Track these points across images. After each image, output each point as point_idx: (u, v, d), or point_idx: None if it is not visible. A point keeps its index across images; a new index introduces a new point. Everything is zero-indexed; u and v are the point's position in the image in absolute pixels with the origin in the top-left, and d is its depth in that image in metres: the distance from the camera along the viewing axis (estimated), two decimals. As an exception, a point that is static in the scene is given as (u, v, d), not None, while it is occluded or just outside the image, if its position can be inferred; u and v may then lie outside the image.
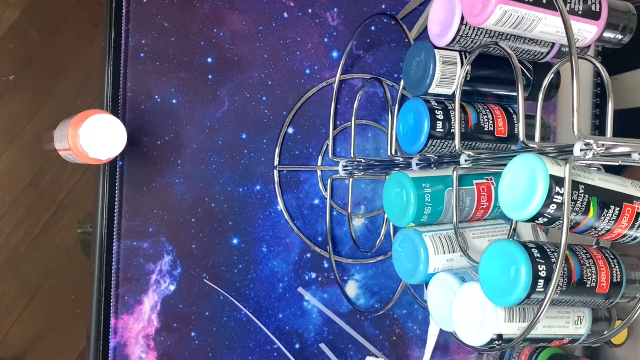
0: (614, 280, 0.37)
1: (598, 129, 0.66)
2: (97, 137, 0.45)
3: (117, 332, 0.53)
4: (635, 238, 0.37)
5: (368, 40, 0.59)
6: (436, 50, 0.45)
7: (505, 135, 0.45)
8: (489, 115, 0.45)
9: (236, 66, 0.55)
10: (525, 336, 0.36)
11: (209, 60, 0.55)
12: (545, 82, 0.44)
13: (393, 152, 0.51)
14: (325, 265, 0.58)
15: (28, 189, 0.59)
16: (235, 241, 0.56)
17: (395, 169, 0.50)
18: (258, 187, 0.56)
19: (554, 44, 0.44)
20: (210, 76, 0.55)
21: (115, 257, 0.52)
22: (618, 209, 0.35)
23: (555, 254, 0.35)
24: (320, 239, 0.58)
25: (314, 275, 0.58)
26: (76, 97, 0.61)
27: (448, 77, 0.45)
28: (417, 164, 0.48)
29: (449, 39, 0.43)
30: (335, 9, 0.58)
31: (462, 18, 0.41)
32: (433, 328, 0.60)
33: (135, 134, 0.53)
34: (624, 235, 0.36)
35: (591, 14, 0.39)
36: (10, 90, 0.58)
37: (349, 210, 0.56)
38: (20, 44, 0.59)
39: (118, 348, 0.53)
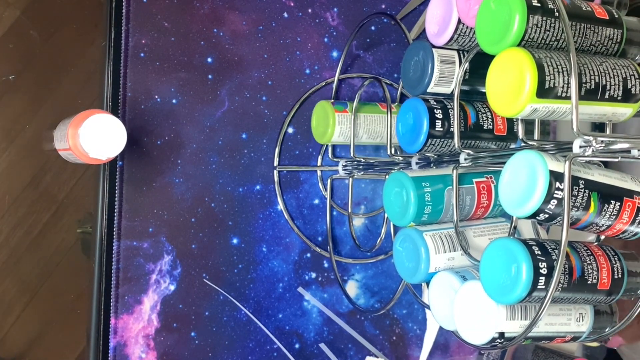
0: (615, 276, 0.37)
1: (598, 128, 0.66)
2: (97, 137, 0.45)
3: (117, 332, 0.52)
4: (636, 234, 0.37)
5: (368, 40, 0.59)
6: (434, 50, 0.45)
7: (505, 134, 0.45)
8: (488, 113, 0.45)
9: (236, 66, 0.55)
10: (527, 334, 0.36)
11: (209, 60, 0.55)
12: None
13: (393, 152, 0.51)
14: (325, 265, 0.58)
15: (28, 189, 0.59)
16: (235, 241, 0.56)
17: (395, 168, 0.50)
18: (258, 187, 0.56)
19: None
20: (210, 76, 0.55)
21: (115, 257, 0.52)
22: (619, 204, 0.35)
23: (556, 251, 0.35)
24: (320, 238, 0.58)
25: (314, 275, 0.58)
26: (76, 97, 0.61)
27: (446, 76, 0.45)
28: (416, 163, 0.48)
29: (446, 38, 0.43)
30: (335, 9, 0.58)
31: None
32: (431, 327, 0.60)
33: (135, 134, 0.53)
34: (625, 231, 0.36)
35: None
36: (10, 90, 0.58)
37: (349, 210, 0.56)
38: (20, 44, 0.59)
39: (118, 348, 0.53)
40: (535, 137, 0.39)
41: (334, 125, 0.53)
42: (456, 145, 0.44)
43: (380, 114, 0.54)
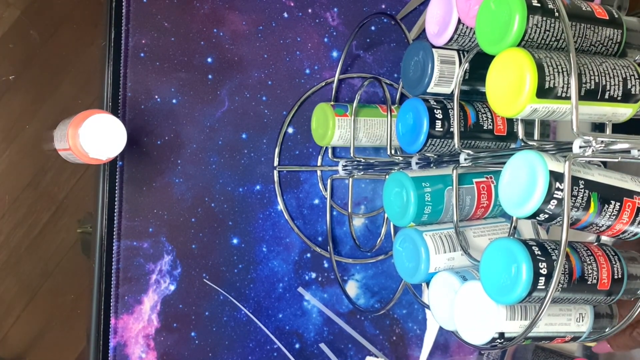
0: (615, 277, 0.37)
1: (598, 128, 0.66)
2: (97, 137, 0.45)
3: (117, 332, 0.52)
4: (636, 234, 0.37)
5: (368, 40, 0.59)
6: (434, 50, 0.45)
7: (505, 134, 0.45)
8: (488, 113, 0.45)
9: (236, 66, 0.55)
10: (527, 334, 0.36)
11: (209, 60, 0.55)
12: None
13: (392, 152, 0.51)
14: (325, 265, 0.58)
15: (28, 189, 0.59)
16: (235, 241, 0.56)
17: (395, 168, 0.50)
18: (258, 187, 0.56)
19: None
20: (210, 76, 0.55)
21: (115, 257, 0.52)
22: (619, 204, 0.35)
23: (556, 251, 0.35)
24: (320, 239, 0.58)
25: (314, 275, 0.58)
26: (76, 97, 0.61)
27: (446, 76, 0.45)
28: (416, 164, 0.48)
29: (446, 38, 0.43)
30: (335, 9, 0.58)
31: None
32: (431, 327, 0.60)
33: (135, 134, 0.53)
34: (625, 231, 0.37)
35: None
36: (10, 90, 0.58)
37: (349, 210, 0.56)
38: (20, 44, 0.59)
39: (118, 348, 0.53)
40: (535, 138, 0.39)
41: (333, 128, 0.53)
42: (456, 146, 0.44)
43: (380, 118, 0.54)
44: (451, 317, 0.41)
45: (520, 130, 0.39)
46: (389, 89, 0.58)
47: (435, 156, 0.47)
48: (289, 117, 0.57)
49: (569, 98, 0.34)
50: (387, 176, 0.48)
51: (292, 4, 0.57)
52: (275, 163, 0.57)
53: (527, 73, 0.34)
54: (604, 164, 0.41)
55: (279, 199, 0.57)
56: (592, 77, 0.35)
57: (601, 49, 0.38)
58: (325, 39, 0.58)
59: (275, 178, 0.57)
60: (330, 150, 0.58)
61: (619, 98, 0.36)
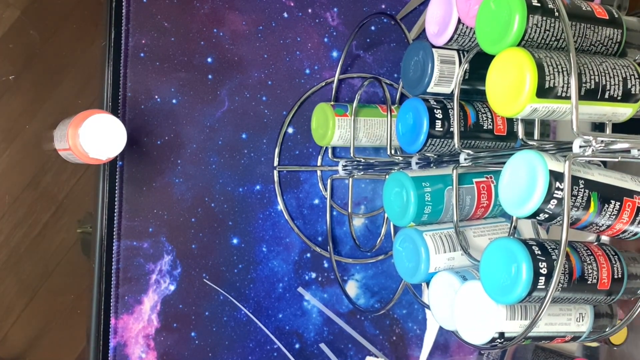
0: (615, 276, 0.37)
1: (598, 128, 0.66)
2: (97, 137, 0.45)
3: (117, 332, 0.52)
4: (636, 234, 0.37)
5: (368, 40, 0.59)
6: (434, 50, 0.45)
7: (505, 134, 0.45)
8: (488, 113, 0.45)
9: (236, 66, 0.55)
10: (527, 334, 0.36)
11: (209, 60, 0.55)
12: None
13: (392, 152, 0.51)
14: (325, 265, 0.58)
15: (28, 189, 0.59)
16: (235, 241, 0.56)
17: (395, 168, 0.50)
18: (258, 187, 0.56)
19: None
20: (210, 76, 0.55)
21: (115, 257, 0.52)
22: (619, 204, 0.35)
23: (556, 251, 0.35)
24: (320, 238, 0.58)
25: (314, 275, 0.58)
26: (76, 97, 0.61)
27: (446, 76, 0.45)
28: (416, 163, 0.48)
29: (446, 38, 0.43)
30: (335, 9, 0.58)
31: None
32: (431, 327, 0.60)
33: (135, 134, 0.53)
34: (625, 231, 0.37)
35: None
36: (10, 90, 0.58)
37: (349, 210, 0.56)
38: (20, 44, 0.59)
39: (118, 348, 0.53)
40: (535, 137, 0.39)
41: (333, 128, 0.53)
42: (456, 145, 0.44)
43: (380, 118, 0.54)
44: (451, 317, 0.41)
45: (520, 130, 0.39)
46: (389, 89, 0.58)
47: (435, 156, 0.47)
48: (289, 117, 0.57)
49: (569, 98, 0.34)
50: (387, 176, 0.48)
51: (292, 4, 0.57)
52: (275, 163, 0.57)
53: (527, 73, 0.34)
54: (604, 163, 0.41)
55: (279, 199, 0.57)
56: (592, 77, 0.35)
57: (601, 49, 0.38)
58: (325, 39, 0.58)
59: (275, 178, 0.57)
60: (330, 150, 0.58)
61: (619, 98, 0.36)
